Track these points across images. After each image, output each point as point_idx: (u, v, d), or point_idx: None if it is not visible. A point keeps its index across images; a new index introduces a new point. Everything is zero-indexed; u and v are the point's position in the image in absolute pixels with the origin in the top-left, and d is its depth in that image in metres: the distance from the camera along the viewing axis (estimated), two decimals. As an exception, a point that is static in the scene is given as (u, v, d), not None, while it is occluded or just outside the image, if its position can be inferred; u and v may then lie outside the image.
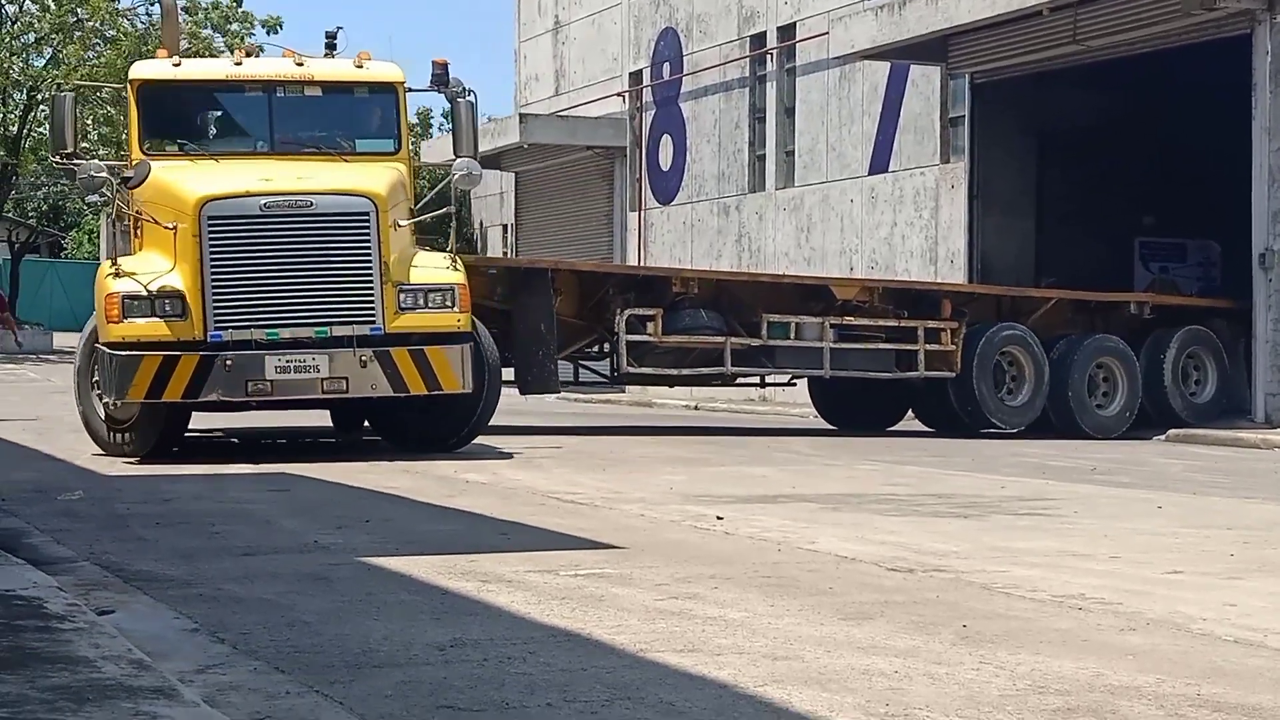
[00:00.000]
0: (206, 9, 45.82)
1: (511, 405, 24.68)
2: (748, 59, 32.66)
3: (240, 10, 45.93)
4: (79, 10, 43.05)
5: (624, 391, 32.54)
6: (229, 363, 15.02)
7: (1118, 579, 8.12)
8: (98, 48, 43.04)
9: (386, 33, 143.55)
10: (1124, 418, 22.02)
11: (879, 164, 28.90)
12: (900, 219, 28.35)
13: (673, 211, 35.18)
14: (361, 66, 17.16)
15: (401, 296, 15.44)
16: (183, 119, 17.57)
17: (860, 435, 21.74)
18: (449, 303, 15.61)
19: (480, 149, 42.27)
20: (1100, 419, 21.95)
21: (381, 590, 7.61)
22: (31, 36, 45.74)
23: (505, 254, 42.87)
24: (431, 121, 61.48)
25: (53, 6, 44.17)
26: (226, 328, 15.07)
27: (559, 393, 21.86)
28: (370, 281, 15.34)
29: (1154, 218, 27.84)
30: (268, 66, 17.16)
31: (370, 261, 15.36)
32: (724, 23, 33.41)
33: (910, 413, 23.04)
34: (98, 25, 42.33)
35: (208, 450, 17.29)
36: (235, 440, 19.18)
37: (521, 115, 38.95)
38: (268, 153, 16.64)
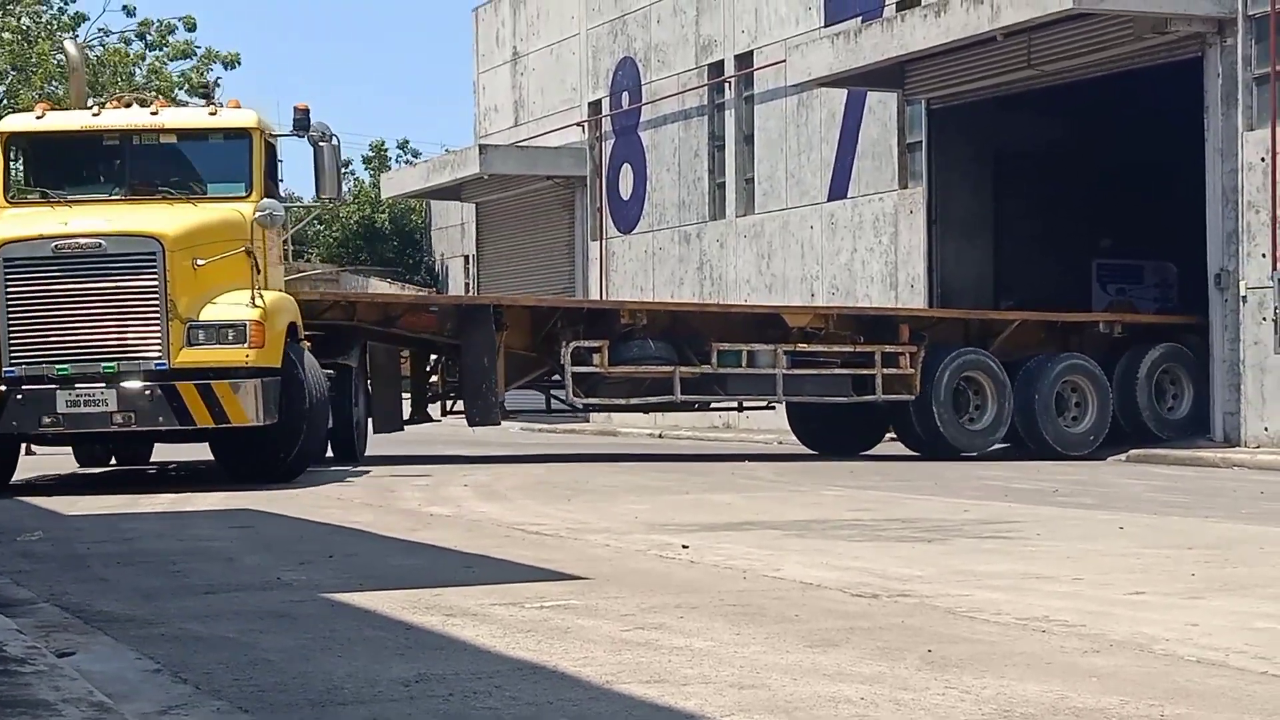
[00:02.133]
0: (162, 44, 45.64)
1: (474, 436, 24.71)
2: (706, 87, 32.74)
3: (200, 48, 45.77)
4: (30, 53, 42.90)
5: (588, 421, 32.57)
6: (19, 397, 15.82)
7: (1081, 600, 8.14)
8: (49, 88, 42.91)
9: (344, 65, 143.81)
10: (1096, 435, 22.13)
11: (838, 190, 28.97)
12: (860, 245, 28.42)
13: (634, 240, 35.21)
14: (215, 114, 17.96)
15: (191, 333, 16.05)
16: (45, 168, 18.38)
17: (833, 459, 21.83)
18: (238, 339, 16.13)
19: (440, 180, 42.37)
20: (1071, 436, 22.09)
21: (345, 627, 7.58)
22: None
23: (467, 285, 42.89)
24: (387, 155, 61.45)
25: (6, 37, 44.02)
26: (20, 363, 15.89)
27: (500, 424, 22.25)
28: (155, 319, 16.01)
29: (1111, 239, 27.98)
30: (123, 117, 17.91)
31: (155, 300, 16.02)
32: (682, 52, 33.48)
33: (889, 436, 23.16)
34: (49, 69, 42.15)
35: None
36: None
37: (481, 146, 38.95)
38: (121, 198, 17.39)
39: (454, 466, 19.62)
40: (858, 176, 28.46)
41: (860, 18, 27.48)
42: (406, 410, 22.19)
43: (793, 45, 27.94)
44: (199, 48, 45.50)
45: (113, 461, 21.20)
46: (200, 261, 16.31)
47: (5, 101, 45.09)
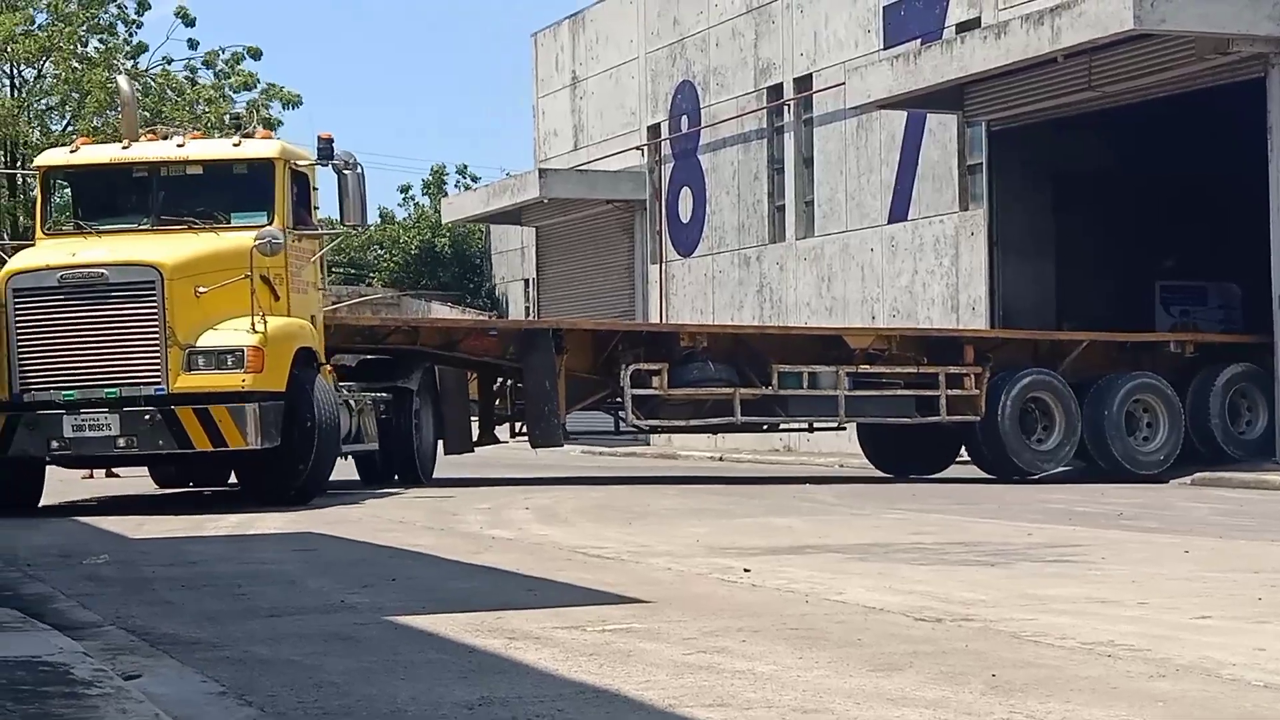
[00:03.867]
0: (230, 75, 45.82)
1: (535, 459, 24.75)
2: (765, 110, 32.74)
3: (261, 83, 45.89)
4: (83, 84, 43.18)
5: (649, 444, 32.58)
6: (29, 422, 16.48)
7: (1146, 625, 8.08)
8: (109, 115, 43.22)
9: (405, 91, 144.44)
10: (1167, 455, 22.05)
11: (898, 212, 28.91)
12: (921, 267, 28.35)
13: (694, 263, 35.22)
14: (239, 145, 18.44)
15: (191, 359, 16.53)
16: (80, 200, 19.10)
17: (899, 482, 21.79)
18: (235, 364, 16.58)
19: (500, 204, 42.60)
20: (1142, 456, 22.01)
21: (408, 649, 7.60)
22: (53, 100, 45.93)
23: (527, 309, 42.98)
24: (446, 179, 61.61)
25: (64, 74, 44.30)
26: (29, 389, 16.51)
27: (562, 446, 22.56)
28: (154, 345, 16.53)
29: (1174, 260, 27.81)
30: (151, 150, 18.45)
31: (154, 326, 16.54)
32: (740, 75, 33.50)
33: (961, 457, 23.14)
34: (100, 99, 42.40)
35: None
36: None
37: (541, 170, 39.05)
38: (149, 228, 17.88)
39: (515, 489, 19.65)
40: (918, 198, 28.40)
41: (919, 40, 27.42)
42: (475, 432, 22.36)
43: (852, 68, 27.90)
44: (260, 81, 45.67)
45: (190, 483, 21.32)
46: (202, 289, 16.71)
47: (67, 128, 45.48)
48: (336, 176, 18.43)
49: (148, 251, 16.99)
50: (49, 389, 16.53)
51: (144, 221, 18.08)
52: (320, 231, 19.01)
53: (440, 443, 21.66)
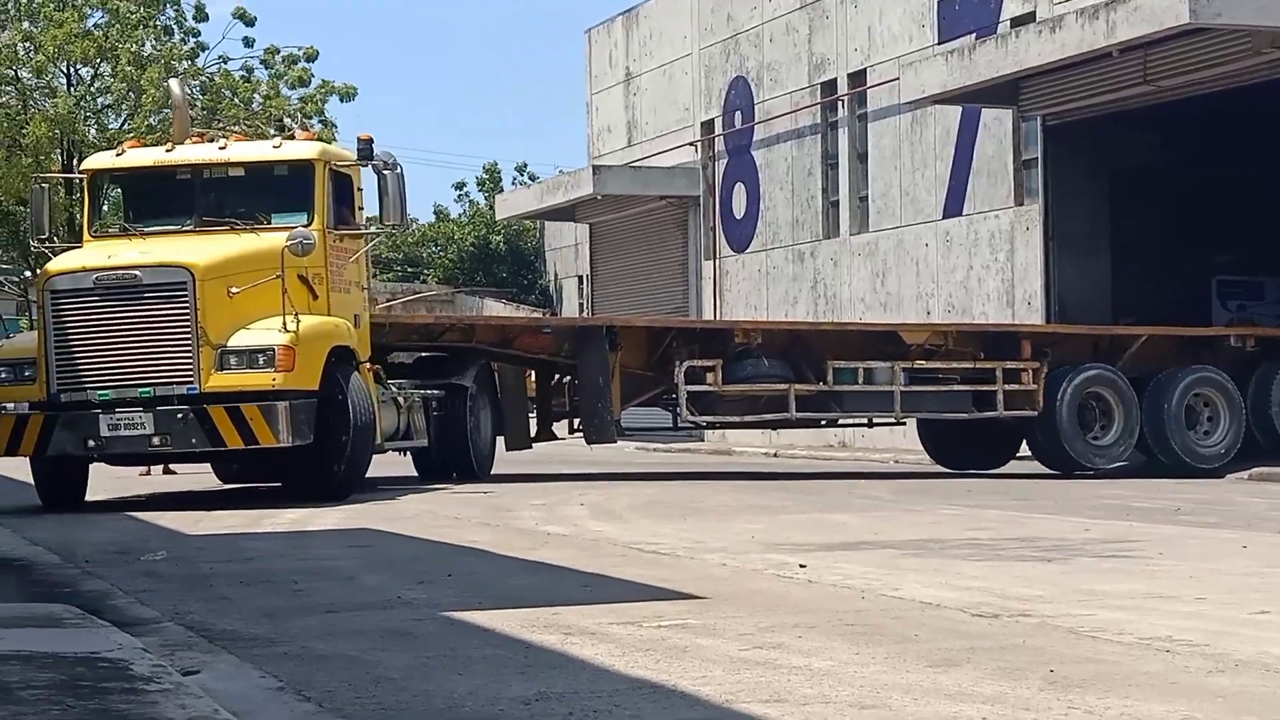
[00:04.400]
0: (282, 71, 45.99)
1: (589, 455, 24.78)
2: (819, 106, 32.68)
3: (315, 78, 46.04)
4: (139, 83, 43.36)
5: (703, 440, 32.57)
6: (66, 421, 16.76)
7: (1205, 620, 8.04)
8: (165, 113, 43.45)
9: (461, 89, 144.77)
10: (1228, 449, 21.93)
11: (953, 208, 28.82)
12: (976, 262, 28.25)
13: (747, 259, 35.18)
14: (279, 146, 18.67)
15: (223, 358, 16.77)
16: (127, 202, 19.66)
17: (960, 477, 21.76)
18: (266, 363, 16.80)
19: (554, 201, 42.79)
20: (1202, 450, 21.90)
21: (465, 645, 7.62)
22: (108, 98, 46.18)
23: (581, 305, 43.00)
24: (500, 176, 61.63)
25: (121, 74, 44.49)
26: (66, 390, 16.79)
27: (616, 442, 22.78)
28: (187, 345, 16.77)
29: (1230, 256, 27.65)
30: (193, 152, 18.69)
31: (187, 326, 16.78)
32: (794, 70, 33.44)
33: (1023, 452, 23.12)
34: (155, 97, 42.57)
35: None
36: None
37: (595, 167, 39.07)
38: (191, 229, 18.16)
39: (569, 485, 19.67)
40: (973, 193, 28.30)
41: (974, 34, 27.33)
42: (533, 429, 22.56)
43: (906, 63, 27.82)
44: (314, 77, 45.86)
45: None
46: (235, 290, 16.96)
47: (123, 126, 45.73)
48: (376, 176, 18.62)
49: (180, 253, 17.26)
50: (85, 389, 16.80)
51: (187, 223, 18.32)
52: (361, 231, 19.11)
53: (500, 439, 21.82)
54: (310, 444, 17.01)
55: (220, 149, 18.61)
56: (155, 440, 16.74)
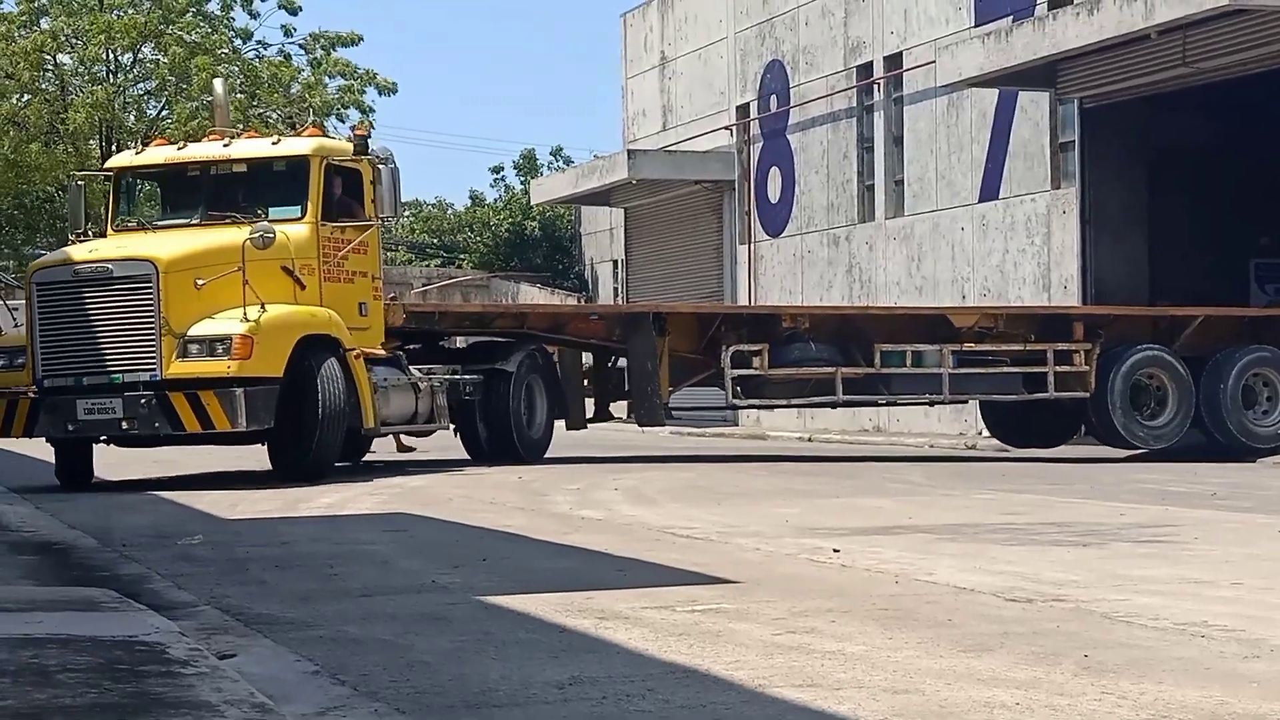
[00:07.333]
0: (319, 65, 46.02)
1: (624, 439, 24.85)
2: (855, 89, 32.60)
3: (359, 68, 46.05)
4: (189, 65, 43.48)
5: (737, 425, 32.59)
6: (48, 405, 17.78)
7: (1240, 605, 8.02)
8: (204, 99, 43.58)
9: (497, 74, 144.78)
10: None
11: (989, 191, 28.73)
12: (1012, 246, 28.17)
13: (782, 244, 35.14)
14: (277, 143, 19.71)
15: (184, 346, 17.55)
16: (141, 199, 21.06)
17: (999, 461, 21.91)
18: (224, 351, 17.54)
19: (589, 185, 42.95)
20: (1260, 430, 21.96)
21: (499, 629, 7.64)
22: (150, 84, 46.27)
23: (616, 290, 43.02)
24: (537, 162, 61.59)
25: (164, 59, 44.57)
26: (49, 375, 17.85)
27: (664, 425, 23.38)
28: (150, 334, 17.61)
29: (1269, 238, 27.54)
30: (202, 150, 19.87)
31: (150, 316, 17.61)
32: (830, 54, 33.36)
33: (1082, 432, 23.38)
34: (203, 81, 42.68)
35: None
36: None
37: (630, 151, 39.05)
38: (198, 223, 19.16)
39: (603, 469, 19.70)
40: (1009, 177, 28.20)
41: (1011, 17, 27.22)
42: (590, 410, 23.04)
43: (942, 46, 27.74)
44: (358, 68, 45.93)
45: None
46: (201, 281, 17.67)
47: (161, 112, 45.84)
48: (372, 170, 19.36)
49: (147, 247, 18.22)
50: (66, 375, 17.78)
51: (195, 218, 19.28)
52: (358, 223, 19.49)
53: (560, 422, 22.33)
54: (274, 428, 17.73)
55: (225, 146, 19.57)
56: (124, 424, 17.61)
